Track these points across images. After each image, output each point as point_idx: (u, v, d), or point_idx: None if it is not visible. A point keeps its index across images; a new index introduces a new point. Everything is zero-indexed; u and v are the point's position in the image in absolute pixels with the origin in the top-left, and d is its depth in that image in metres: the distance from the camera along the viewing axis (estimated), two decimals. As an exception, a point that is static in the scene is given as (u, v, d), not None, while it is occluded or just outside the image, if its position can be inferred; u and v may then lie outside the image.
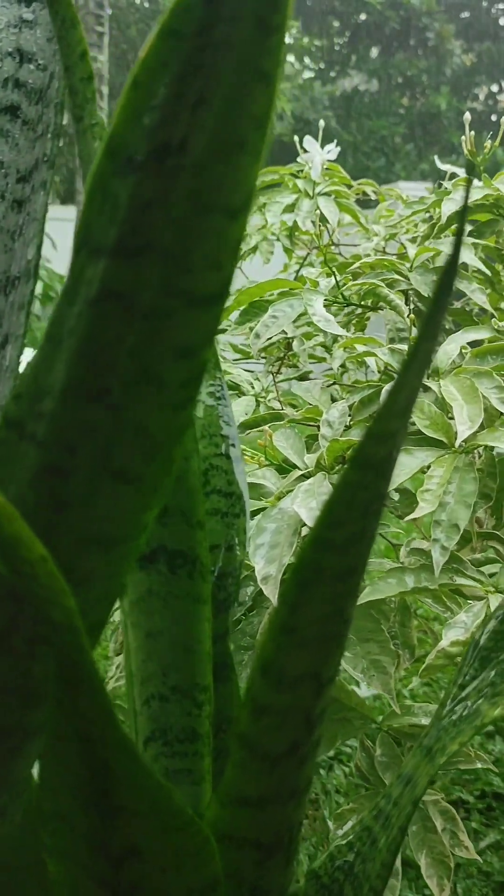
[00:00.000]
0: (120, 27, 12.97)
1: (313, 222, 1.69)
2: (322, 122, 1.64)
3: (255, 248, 1.87)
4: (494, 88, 14.29)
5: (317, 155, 1.57)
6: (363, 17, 14.49)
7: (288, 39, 15.31)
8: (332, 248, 1.77)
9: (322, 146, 1.57)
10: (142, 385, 0.29)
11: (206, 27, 0.25)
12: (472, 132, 1.14)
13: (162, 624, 0.52)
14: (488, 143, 1.16)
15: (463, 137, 1.16)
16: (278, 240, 1.74)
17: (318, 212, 1.51)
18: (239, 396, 1.39)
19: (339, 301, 1.06)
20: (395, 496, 0.92)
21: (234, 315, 1.08)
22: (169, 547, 0.53)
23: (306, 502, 0.83)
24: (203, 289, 0.28)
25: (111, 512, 0.31)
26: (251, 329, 1.04)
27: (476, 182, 1.15)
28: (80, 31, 0.46)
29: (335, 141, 1.59)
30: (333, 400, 1.03)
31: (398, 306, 0.97)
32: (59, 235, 7.66)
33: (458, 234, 0.32)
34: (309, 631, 0.33)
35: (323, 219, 1.52)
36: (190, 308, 0.29)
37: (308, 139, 1.57)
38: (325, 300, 1.03)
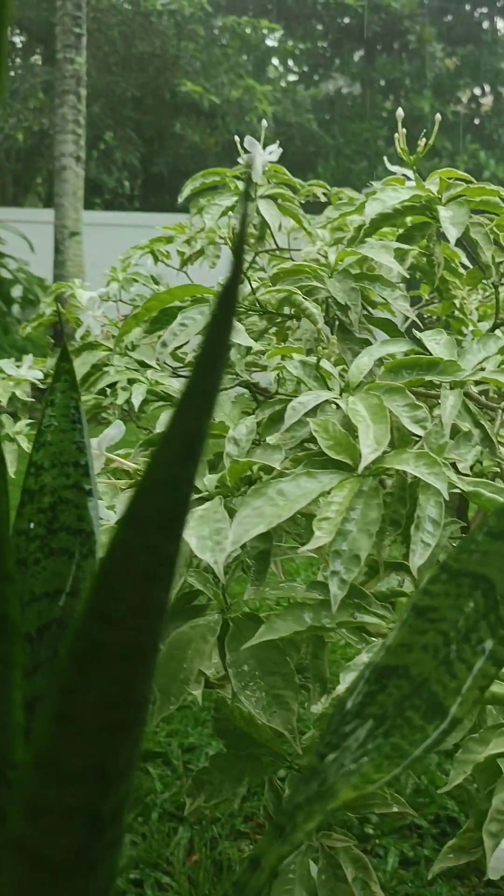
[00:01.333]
0: (101, 29, 12.87)
1: (255, 226, 1.62)
2: (265, 123, 1.58)
3: (201, 252, 1.81)
4: (477, 91, 14.27)
5: (258, 156, 1.50)
6: (346, 20, 14.46)
7: (272, 42, 15.30)
8: (280, 252, 1.70)
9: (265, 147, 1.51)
10: None
11: None
12: (404, 129, 1.08)
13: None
14: (422, 143, 1.09)
15: (396, 135, 1.09)
16: (226, 243, 1.67)
17: (259, 216, 1.44)
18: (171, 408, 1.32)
19: (253, 309, 0.99)
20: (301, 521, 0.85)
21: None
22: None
23: (198, 530, 0.76)
24: None
25: None
26: (159, 338, 0.97)
27: (410, 183, 1.09)
28: None
29: (278, 142, 1.53)
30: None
31: (312, 315, 0.90)
32: (37, 238, 7.57)
33: (237, 253, 0.26)
34: (88, 719, 0.29)
35: (265, 223, 1.46)
36: None
37: (249, 139, 1.51)
38: (237, 308, 0.96)
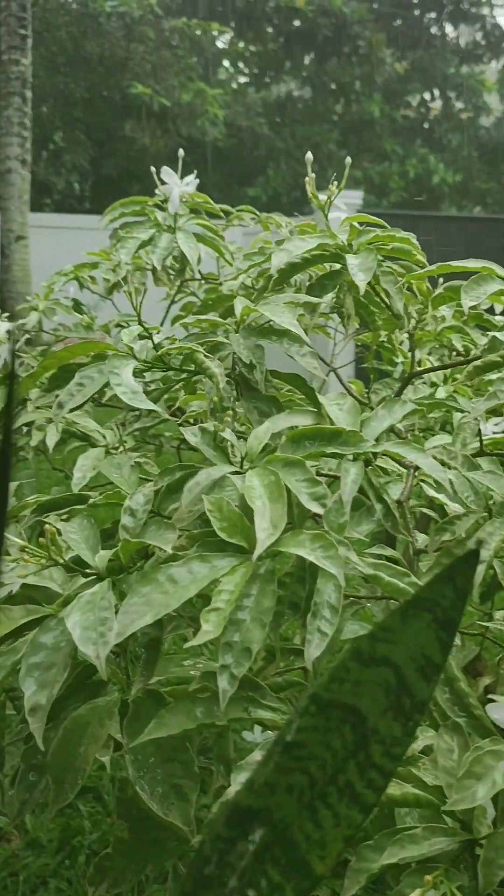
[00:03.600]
0: (49, 29, 12.71)
1: (175, 259, 1.58)
2: (182, 152, 1.54)
3: (125, 280, 1.76)
4: (427, 96, 14.36)
5: (175, 187, 1.46)
6: (296, 23, 14.45)
7: (222, 45, 15.23)
8: (204, 283, 1.66)
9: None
10: None
11: None
12: (314, 174, 1.04)
13: None
14: (333, 186, 1.05)
15: (306, 179, 1.05)
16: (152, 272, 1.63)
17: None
18: (91, 447, 1.27)
19: (157, 365, 0.95)
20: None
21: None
22: None
23: (83, 619, 0.71)
24: None
25: None
26: (56, 397, 0.92)
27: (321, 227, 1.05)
28: None
29: (195, 173, 1.49)
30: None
31: (214, 375, 0.85)
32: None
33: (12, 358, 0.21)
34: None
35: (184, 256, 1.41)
36: None
37: (165, 170, 1.47)
38: (139, 366, 0.92)
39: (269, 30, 15.35)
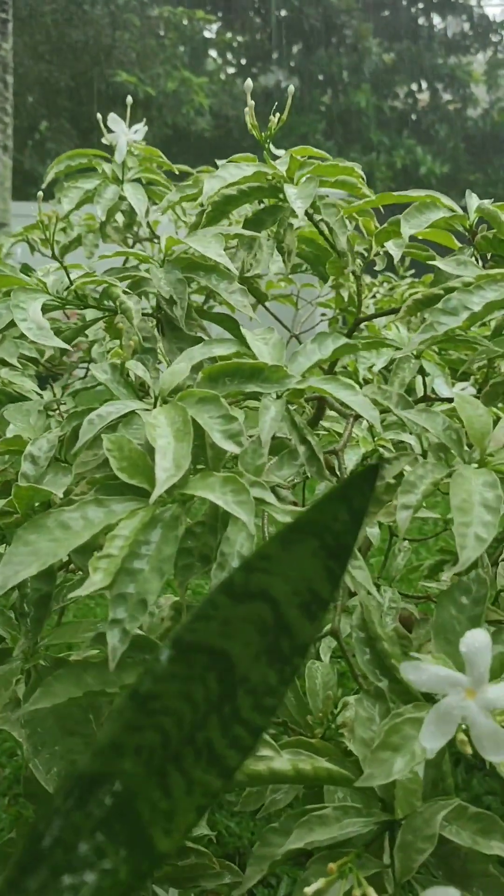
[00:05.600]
0: (33, 15, 12.57)
1: (123, 211, 1.49)
2: (129, 99, 1.45)
3: (78, 240, 1.67)
4: (414, 87, 14.27)
5: (121, 135, 1.37)
6: (283, 13, 14.35)
7: (209, 34, 15.10)
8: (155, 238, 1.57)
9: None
10: None
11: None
12: (253, 102, 0.95)
13: None
14: (274, 118, 0.97)
15: (246, 109, 0.97)
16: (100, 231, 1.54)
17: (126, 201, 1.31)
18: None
19: (72, 302, 0.86)
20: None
21: None
22: None
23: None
24: None
25: None
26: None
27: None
28: None
29: (143, 121, 1.40)
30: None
31: (128, 310, 0.77)
32: None
33: None
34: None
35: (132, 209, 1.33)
36: None
37: (112, 117, 1.37)
38: (50, 302, 0.83)
39: (257, 20, 15.23)
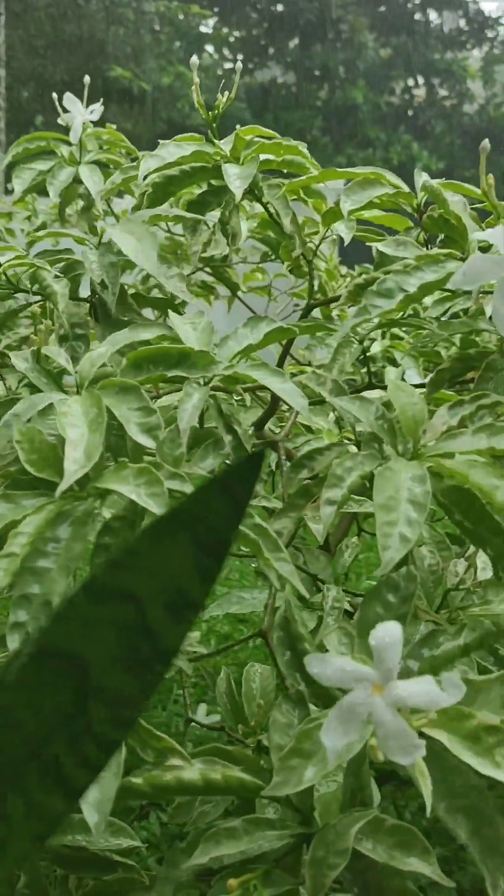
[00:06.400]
0: (28, 10, 12.51)
1: (82, 195, 1.45)
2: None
3: (43, 227, 1.64)
4: (410, 82, 14.21)
5: (77, 115, 1.32)
6: (279, 7, 14.29)
7: (206, 29, 15.03)
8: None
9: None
10: None
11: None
12: (198, 80, 0.91)
13: None
14: (222, 96, 0.93)
15: (193, 87, 0.93)
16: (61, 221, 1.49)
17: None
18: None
19: (3, 287, 0.82)
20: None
21: None
22: None
23: None
24: None
25: None
26: None
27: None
28: None
29: (100, 101, 1.35)
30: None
31: (54, 293, 0.73)
32: None
33: None
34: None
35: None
36: None
37: (68, 96, 1.33)
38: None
39: (253, 15, 15.17)
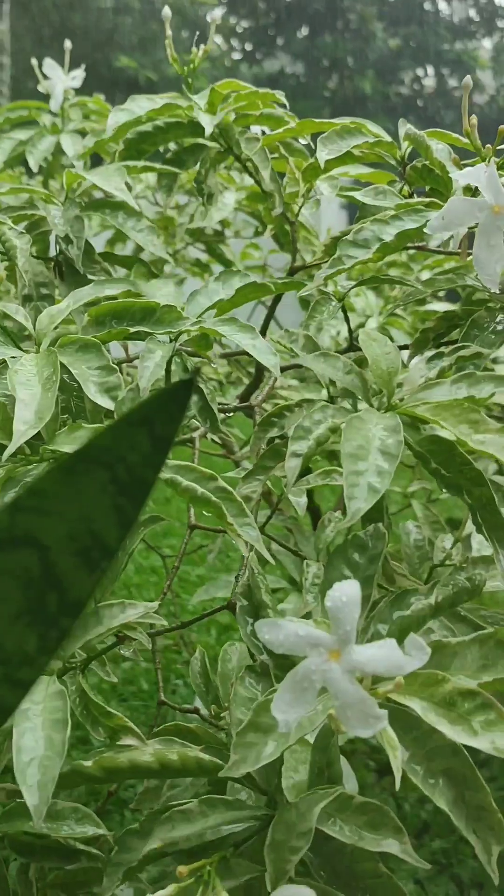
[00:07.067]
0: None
1: (65, 166, 1.41)
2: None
3: (30, 204, 1.59)
4: (420, 73, 14.09)
5: (58, 82, 1.28)
6: (288, -3, 14.18)
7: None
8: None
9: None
10: None
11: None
12: (171, 32, 0.87)
13: None
14: (196, 50, 0.89)
15: (167, 42, 0.88)
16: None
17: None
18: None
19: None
20: None
21: None
22: None
23: None
24: None
25: None
26: None
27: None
28: None
29: (83, 66, 1.31)
30: None
31: (12, 248, 0.69)
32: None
33: None
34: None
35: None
36: None
37: (48, 62, 1.29)
38: None
39: (261, 5, 15.06)
